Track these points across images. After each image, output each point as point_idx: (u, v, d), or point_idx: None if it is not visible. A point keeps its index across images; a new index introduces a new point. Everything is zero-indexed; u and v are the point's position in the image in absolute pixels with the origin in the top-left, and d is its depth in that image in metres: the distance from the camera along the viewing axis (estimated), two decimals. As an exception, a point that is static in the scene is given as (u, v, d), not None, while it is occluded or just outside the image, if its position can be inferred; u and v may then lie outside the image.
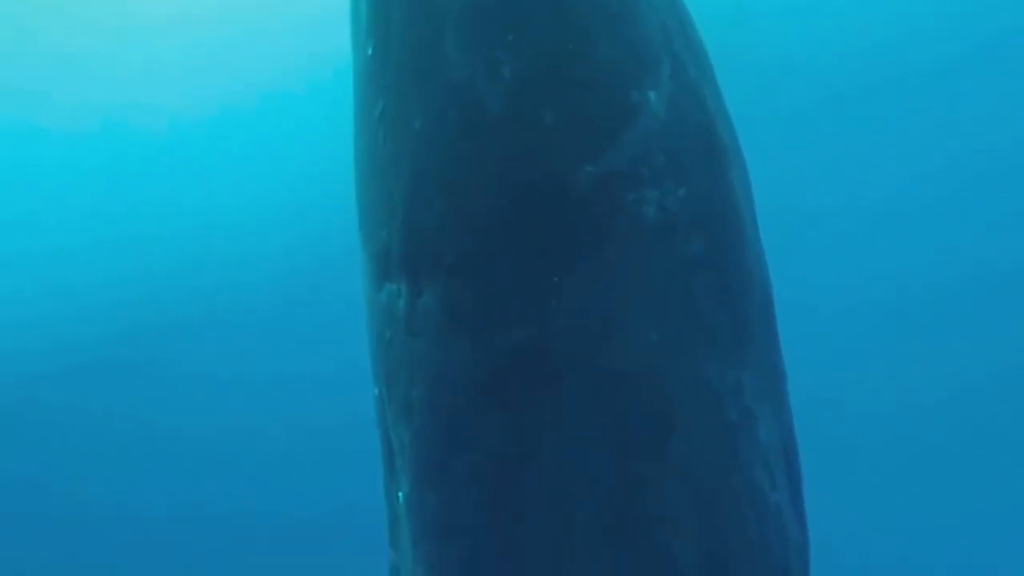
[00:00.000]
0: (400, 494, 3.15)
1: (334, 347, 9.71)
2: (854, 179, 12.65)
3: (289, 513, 12.58)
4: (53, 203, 13.36)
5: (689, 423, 2.96)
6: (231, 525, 12.55)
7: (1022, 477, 12.08)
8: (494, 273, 2.94)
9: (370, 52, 3.18)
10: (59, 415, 12.89)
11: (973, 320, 12.49)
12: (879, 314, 12.61)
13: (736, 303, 3.12)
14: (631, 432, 2.92)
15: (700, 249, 3.04)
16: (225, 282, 13.23)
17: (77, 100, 12.94)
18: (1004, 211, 12.49)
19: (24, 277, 13.26)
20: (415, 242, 3.02)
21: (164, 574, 12.35)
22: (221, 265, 13.29)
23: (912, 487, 12.30)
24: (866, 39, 12.56)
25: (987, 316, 12.49)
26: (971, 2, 12.47)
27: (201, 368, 13.01)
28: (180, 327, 13.19)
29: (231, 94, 13.10)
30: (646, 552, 2.91)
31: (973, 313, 12.49)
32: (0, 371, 13.01)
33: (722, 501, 2.99)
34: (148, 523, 12.55)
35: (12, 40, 12.70)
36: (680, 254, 3.02)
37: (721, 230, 3.11)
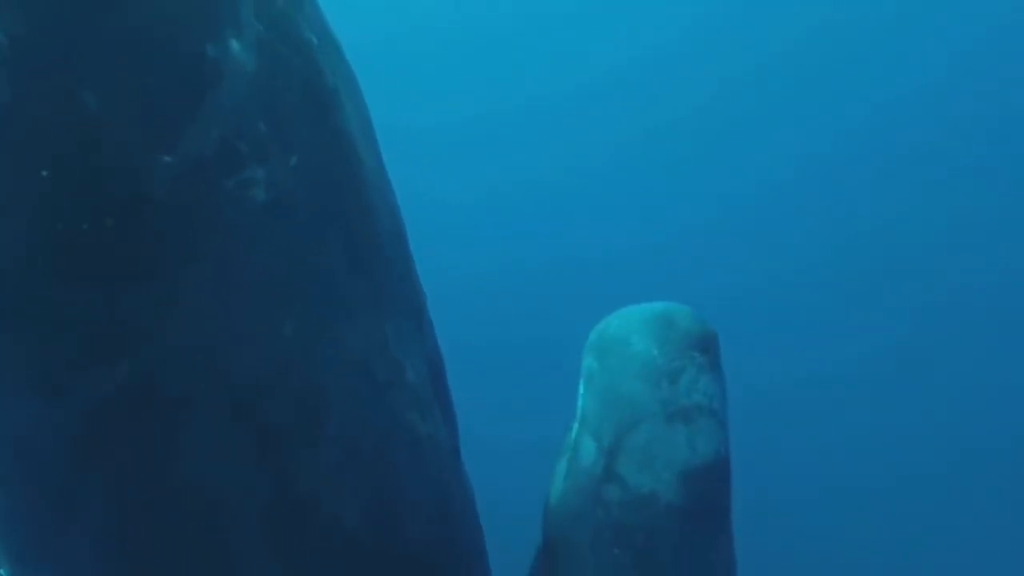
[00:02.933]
0: (1, 571, 2.56)
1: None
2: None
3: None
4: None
5: (343, 402, 2.62)
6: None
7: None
8: (59, 310, 2.20)
9: None
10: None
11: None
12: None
13: (368, 259, 2.68)
14: (283, 434, 2.51)
15: (323, 217, 2.51)
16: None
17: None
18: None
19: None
20: None
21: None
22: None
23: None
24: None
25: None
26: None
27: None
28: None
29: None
30: (313, 533, 2.61)
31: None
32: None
33: (379, 454, 2.76)
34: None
35: None
36: (301, 231, 2.45)
37: (342, 189, 2.57)
